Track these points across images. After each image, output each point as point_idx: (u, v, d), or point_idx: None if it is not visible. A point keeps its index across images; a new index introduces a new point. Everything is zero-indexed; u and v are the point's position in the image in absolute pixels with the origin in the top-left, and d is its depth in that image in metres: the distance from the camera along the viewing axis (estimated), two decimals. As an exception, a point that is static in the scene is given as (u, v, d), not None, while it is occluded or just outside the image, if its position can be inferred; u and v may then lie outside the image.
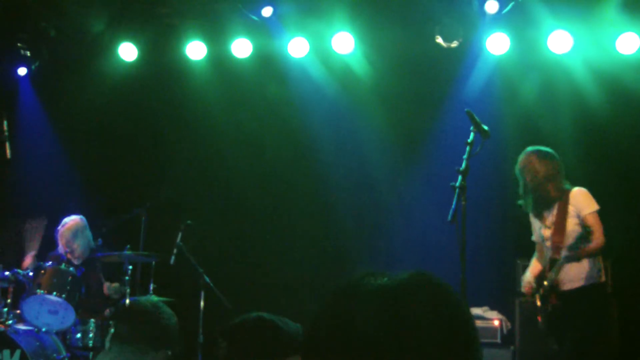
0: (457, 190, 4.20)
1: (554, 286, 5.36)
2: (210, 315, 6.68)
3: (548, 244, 5.48)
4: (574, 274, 5.31)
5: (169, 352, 3.35)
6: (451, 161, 5.01)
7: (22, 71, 8.29)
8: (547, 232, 5.50)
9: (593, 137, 7.23)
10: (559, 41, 7.16)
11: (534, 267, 5.70)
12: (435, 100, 7.61)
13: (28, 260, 6.58)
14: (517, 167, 5.60)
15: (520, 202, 5.61)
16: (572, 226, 5.36)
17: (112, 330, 3.31)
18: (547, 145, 6.93)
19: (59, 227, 6.93)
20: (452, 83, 7.57)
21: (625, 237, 6.98)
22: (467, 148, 4.42)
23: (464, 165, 4.33)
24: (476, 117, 4.60)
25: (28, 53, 8.05)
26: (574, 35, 7.13)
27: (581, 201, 5.39)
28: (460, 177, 4.25)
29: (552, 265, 5.39)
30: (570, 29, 7.12)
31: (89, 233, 7.01)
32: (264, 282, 7.73)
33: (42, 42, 8.10)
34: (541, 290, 5.45)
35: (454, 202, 4.15)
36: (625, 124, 7.16)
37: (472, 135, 4.49)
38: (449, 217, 4.10)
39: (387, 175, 7.81)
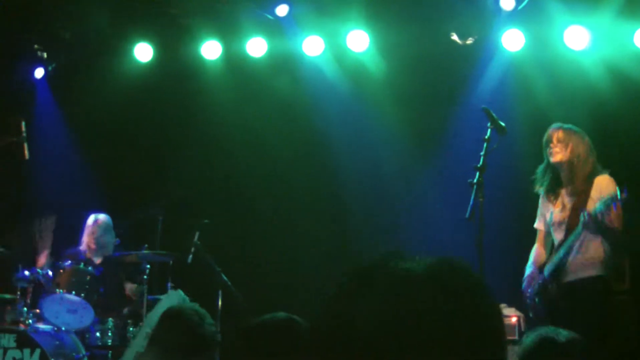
0: (474, 187, 4.20)
1: (559, 272, 5.07)
2: (227, 314, 6.71)
3: (562, 228, 5.17)
4: (580, 264, 5.04)
5: None
6: (466, 159, 5.02)
7: (39, 73, 8.35)
8: (559, 216, 5.21)
9: (611, 136, 7.12)
10: (576, 37, 7.09)
11: (538, 256, 5.37)
12: (450, 97, 7.58)
13: (42, 259, 6.62)
14: (548, 139, 5.23)
15: (541, 189, 5.28)
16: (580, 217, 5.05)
17: (148, 330, 3.36)
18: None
19: (90, 223, 6.97)
20: (467, 80, 7.53)
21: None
22: (485, 145, 4.41)
23: (481, 162, 4.33)
24: (493, 114, 4.61)
25: (44, 55, 8.10)
26: (591, 30, 7.06)
27: (606, 187, 5.09)
28: (477, 174, 4.25)
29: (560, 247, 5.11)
30: (587, 25, 7.06)
31: (113, 232, 7.08)
32: (277, 282, 7.74)
33: (58, 43, 8.15)
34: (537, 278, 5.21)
35: (471, 199, 4.15)
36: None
37: (489, 131, 4.50)
38: (467, 215, 4.10)
39: (402, 173, 7.79)
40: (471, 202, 4.15)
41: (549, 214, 5.28)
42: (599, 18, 7.01)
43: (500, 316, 1.27)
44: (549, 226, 5.34)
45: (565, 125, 5.29)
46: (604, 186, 5.09)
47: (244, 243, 8.08)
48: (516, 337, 6.38)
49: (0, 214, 7.88)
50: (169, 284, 6.59)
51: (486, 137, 4.46)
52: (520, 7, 7.05)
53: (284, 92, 8.17)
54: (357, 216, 7.95)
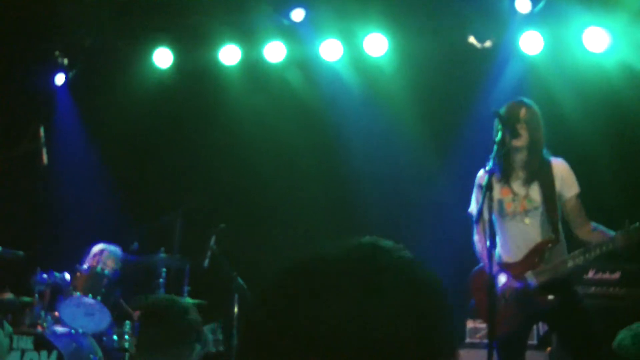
0: (483, 189, 4.16)
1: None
2: (244, 318, 6.71)
3: (516, 220, 4.67)
4: (557, 260, 4.62)
5: (198, 347, 3.39)
6: (482, 161, 4.96)
7: (59, 79, 8.46)
8: (517, 207, 4.67)
9: (630, 140, 7.04)
10: (595, 39, 7.02)
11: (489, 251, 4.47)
12: (468, 100, 7.53)
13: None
14: (513, 117, 4.63)
15: (491, 164, 4.43)
16: (557, 204, 4.67)
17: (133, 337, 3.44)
18: (582, 148, 6.83)
19: (104, 251, 6.88)
20: (485, 83, 7.48)
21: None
22: (495, 147, 4.37)
23: (490, 164, 4.28)
24: (504, 117, 4.56)
25: (65, 61, 8.20)
26: (610, 32, 6.99)
27: (570, 177, 4.70)
28: (487, 177, 4.20)
29: (542, 249, 4.60)
30: (606, 26, 6.98)
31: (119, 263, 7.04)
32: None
33: (79, 50, 8.26)
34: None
35: (480, 202, 4.11)
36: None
37: (499, 134, 4.45)
38: (475, 218, 4.06)
39: (420, 177, 7.76)
40: (480, 205, 4.11)
41: (497, 201, 4.64)
42: (618, 19, 6.93)
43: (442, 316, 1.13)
44: (492, 215, 4.57)
45: (528, 101, 4.81)
46: (567, 176, 4.69)
47: (263, 247, 8.09)
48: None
49: (20, 218, 8.00)
50: (186, 288, 6.62)
51: (497, 139, 4.40)
52: (536, 9, 6.99)
53: (303, 97, 8.19)
54: (375, 220, 7.92)
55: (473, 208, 4.86)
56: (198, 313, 3.47)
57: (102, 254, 6.72)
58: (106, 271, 6.38)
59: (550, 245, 4.60)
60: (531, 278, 4.58)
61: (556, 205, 4.62)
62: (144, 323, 3.46)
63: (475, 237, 4.85)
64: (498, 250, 4.75)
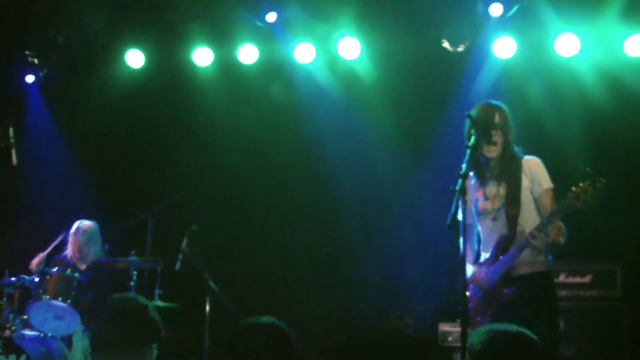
0: (456, 193, 4.15)
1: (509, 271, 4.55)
2: (216, 320, 6.67)
3: (488, 218, 4.70)
4: (526, 256, 4.54)
5: (155, 352, 3.25)
6: (457, 165, 4.97)
7: (29, 78, 8.35)
8: (485, 205, 4.72)
9: (601, 140, 7.16)
10: (566, 44, 7.12)
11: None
12: (442, 104, 7.57)
13: (37, 260, 6.64)
14: (487, 121, 4.62)
15: (464, 168, 4.22)
16: (527, 199, 4.63)
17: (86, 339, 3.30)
18: (555, 149, 6.91)
19: (72, 231, 6.95)
20: (459, 87, 7.52)
21: (635, 241, 6.92)
22: (468, 151, 4.36)
23: (464, 169, 4.26)
24: (478, 121, 4.57)
25: (36, 60, 8.09)
26: (580, 37, 7.09)
27: (540, 173, 4.64)
28: (459, 181, 4.19)
29: (505, 243, 4.59)
30: (577, 32, 7.08)
31: (100, 239, 7.05)
32: (270, 286, 7.73)
33: (51, 49, 8.15)
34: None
35: (452, 206, 4.09)
36: (633, 126, 7.11)
37: (472, 138, 4.44)
38: (448, 222, 4.04)
39: (394, 179, 7.79)
40: (452, 210, 4.10)
41: (473, 203, 4.75)
42: (590, 25, 7.04)
43: None
44: (473, 217, 4.79)
45: (499, 104, 4.76)
46: (538, 172, 4.65)
47: (237, 248, 8.07)
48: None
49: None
50: (157, 291, 6.56)
51: (470, 144, 4.40)
52: (509, 13, 7.06)
53: (277, 99, 8.18)
54: (350, 220, 7.94)
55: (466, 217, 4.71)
56: (158, 313, 3.33)
57: (78, 232, 6.83)
58: (76, 274, 6.30)
59: (505, 241, 4.60)
60: (491, 274, 4.61)
61: (518, 201, 4.62)
62: (104, 322, 3.30)
63: None
64: (482, 250, 4.82)
